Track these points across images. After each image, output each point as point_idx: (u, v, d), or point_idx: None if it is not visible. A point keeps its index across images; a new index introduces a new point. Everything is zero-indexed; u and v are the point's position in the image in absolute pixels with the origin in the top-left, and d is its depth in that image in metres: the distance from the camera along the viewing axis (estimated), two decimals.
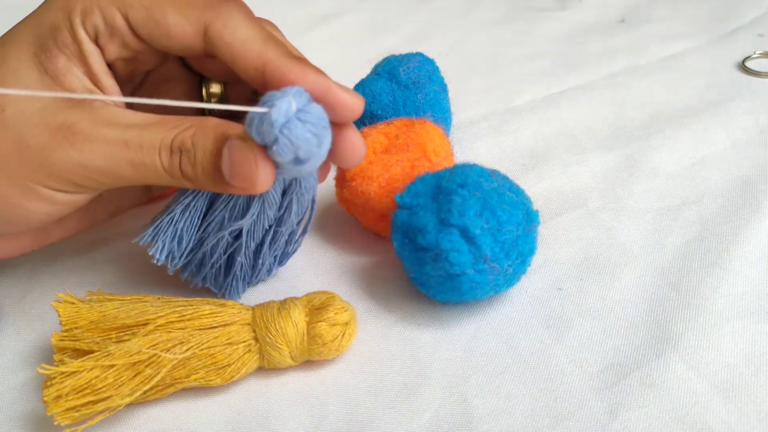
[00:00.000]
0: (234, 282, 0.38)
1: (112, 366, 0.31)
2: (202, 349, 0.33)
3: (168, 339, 0.33)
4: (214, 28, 0.32)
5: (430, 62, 0.48)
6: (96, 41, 0.33)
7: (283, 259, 0.39)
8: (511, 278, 0.36)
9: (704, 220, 0.42)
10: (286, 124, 0.28)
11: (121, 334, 0.33)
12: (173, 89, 0.38)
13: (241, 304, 0.35)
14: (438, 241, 0.34)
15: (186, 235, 0.35)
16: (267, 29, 0.33)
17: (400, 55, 0.48)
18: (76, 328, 0.33)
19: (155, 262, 0.35)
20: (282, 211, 0.36)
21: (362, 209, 0.40)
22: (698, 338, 0.35)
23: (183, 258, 0.36)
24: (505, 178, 0.37)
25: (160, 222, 0.35)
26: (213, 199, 0.35)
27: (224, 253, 0.36)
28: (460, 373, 0.34)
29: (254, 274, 0.38)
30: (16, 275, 0.41)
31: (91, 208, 0.37)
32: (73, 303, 0.34)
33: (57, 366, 0.31)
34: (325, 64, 0.62)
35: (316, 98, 0.31)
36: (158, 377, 0.32)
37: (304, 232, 0.39)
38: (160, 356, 0.32)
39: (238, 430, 0.33)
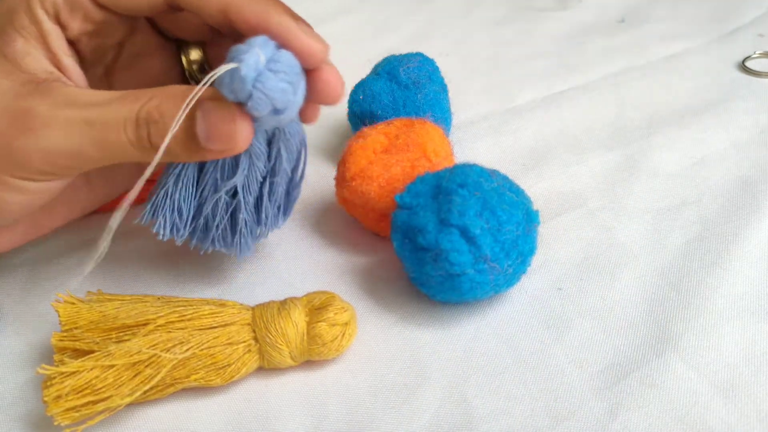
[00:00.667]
0: (242, 239, 0.37)
1: (112, 366, 0.31)
2: (202, 349, 0.33)
3: (168, 339, 0.33)
4: None
5: (430, 62, 0.48)
6: (57, 20, 0.32)
7: (287, 209, 0.38)
8: (511, 278, 0.36)
9: (704, 220, 0.42)
10: (258, 77, 0.28)
11: (121, 334, 0.33)
12: (150, 62, 0.37)
13: (241, 304, 0.35)
14: (438, 241, 0.34)
15: (185, 204, 0.35)
16: None
17: (400, 55, 0.48)
18: (76, 328, 0.33)
19: (161, 238, 0.35)
20: (272, 161, 0.35)
21: (362, 209, 0.40)
22: (698, 338, 0.35)
23: (187, 228, 0.35)
24: (505, 178, 0.37)
25: (156, 197, 0.34)
26: (202, 164, 0.35)
27: (226, 213, 0.36)
28: (460, 373, 0.34)
29: (260, 228, 0.38)
30: (16, 275, 0.41)
31: (79, 196, 0.36)
32: (73, 303, 0.34)
33: (57, 366, 0.31)
34: None
35: (279, 44, 0.30)
36: (158, 377, 0.32)
37: (302, 177, 0.38)
38: (160, 356, 0.32)
39: (238, 430, 0.33)
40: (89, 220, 0.42)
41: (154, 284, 0.40)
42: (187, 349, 0.32)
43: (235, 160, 0.34)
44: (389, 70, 0.47)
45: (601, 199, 0.44)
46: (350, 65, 0.60)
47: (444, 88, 0.48)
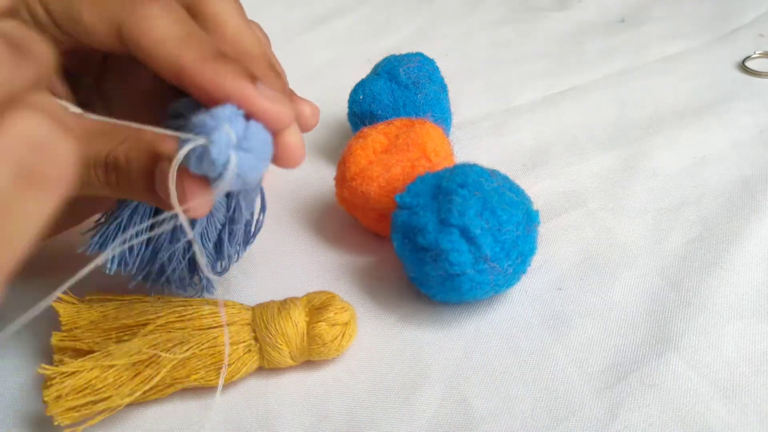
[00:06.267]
0: (204, 281, 0.36)
1: (112, 366, 0.31)
2: (202, 349, 0.33)
3: (168, 339, 0.32)
4: (127, 27, 0.28)
5: (430, 62, 0.48)
6: None
7: (247, 242, 0.37)
8: (511, 278, 0.36)
9: (704, 220, 0.42)
10: (230, 159, 0.25)
11: (121, 334, 0.33)
12: (140, 72, 0.34)
13: (241, 304, 0.35)
14: (438, 241, 0.34)
15: (137, 241, 0.33)
16: (190, 24, 0.28)
17: (400, 55, 0.48)
18: (76, 328, 0.33)
19: (107, 272, 0.33)
20: (231, 211, 0.34)
21: (362, 209, 0.40)
22: (698, 338, 0.35)
23: (136, 265, 0.34)
24: (505, 178, 0.37)
25: (107, 229, 0.33)
26: None
27: (183, 258, 0.34)
28: (460, 373, 0.34)
29: (222, 263, 0.37)
30: (16, 275, 0.41)
31: (72, 208, 0.35)
32: (73, 303, 0.34)
33: (57, 366, 0.31)
34: (325, 64, 0.62)
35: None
36: (158, 377, 0.32)
37: (264, 209, 0.37)
38: (160, 356, 0.32)
39: (237, 430, 0.33)
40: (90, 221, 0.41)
41: None
42: (187, 349, 0.32)
43: None
44: (389, 70, 0.47)
45: (601, 199, 0.44)
46: (350, 65, 0.60)
47: (444, 88, 0.48)
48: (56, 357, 0.33)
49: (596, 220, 0.42)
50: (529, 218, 0.35)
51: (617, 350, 0.35)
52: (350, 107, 0.47)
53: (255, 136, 0.26)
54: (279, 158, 0.28)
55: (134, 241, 0.33)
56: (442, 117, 0.46)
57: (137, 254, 0.33)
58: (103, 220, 0.34)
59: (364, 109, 0.46)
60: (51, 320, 0.37)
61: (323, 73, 0.60)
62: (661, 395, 0.32)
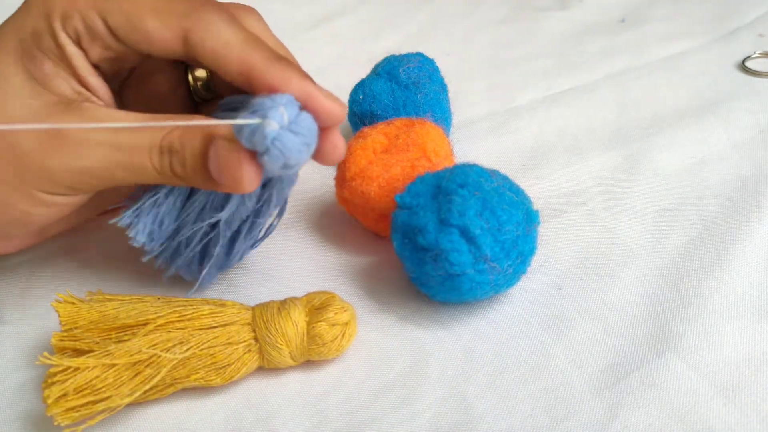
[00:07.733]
0: (208, 270, 0.37)
1: (113, 365, 0.31)
2: (202, 349, 0.33)
3: (168, 339, 0.33)
4: (195, 34, 0.31)
5: (430, 62, 0.48)
6: (78, 44, 0.33)
7: (256, 244, 0.39)
8: (511, 278, 0.36)
9: (704, 220, 0.42)
10: (278, 136, 0.28)
11: (121, 334, 0.33)
12: (159, 78, 0.38)
13: (241, 304, 0.35)
14: (438, 241, 0.34)
15: (167, 218, 0.35)
16: (248, 31, 0.32)
17: (400, 55, 0.48)
18: (76, 328, 0.33)
19: (135, 243, 0.35)
20: (261, 203, 0.36)
21: (362, 209, 0.40)
22: (698, 338, 0.35)
23: (162, 241, 0.36)
24: (505, 178, 0.37)
25: (142, 203, 0.35)
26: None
27: (200, 242, 0.36)
28: (460, 373, 0.34)
29: (227, 262, 0.38)
30: (16, 275, 0.41)
31: (89, 203, 0.37)
32: (73, 303, 0.34)
33: (59, 359, 0.31)
34: (326, 64, 0.63)
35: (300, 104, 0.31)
36: (158, 377, 0.32)
37: (281, 214, 0.39)
38: (160, 356, 0.32)
39: (238, 430, 0.33)
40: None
41: (153, 284, 0.40)
42: (187, 349, 0.32)
43: (226, 195, 0.35)
44: (389, 70, 0.47)
45: (601, 199, 0.44)
46: (351, 65, 0.60)
47: (444, 88, 0.48)
48: (56, 357, 0.33)
49: (596, 220, 0.42)
50: (529, 218, 0.35)
51: (617, 350, 0.35)
52: (350, 107, 0.47)
53: (304, 122, 0.29)
54: (323, 153, 0.32)
55: (166, 213, 0.35)
56: (442, 117, 0.46)
57: (165, 229, 0.35)
58: (138, 195, 0.36)
59: (364, 109, 0.46)
60: (51, 320, 0.37)
61: (323, 72, 0.60)
62: (661, 395, 0.32)
